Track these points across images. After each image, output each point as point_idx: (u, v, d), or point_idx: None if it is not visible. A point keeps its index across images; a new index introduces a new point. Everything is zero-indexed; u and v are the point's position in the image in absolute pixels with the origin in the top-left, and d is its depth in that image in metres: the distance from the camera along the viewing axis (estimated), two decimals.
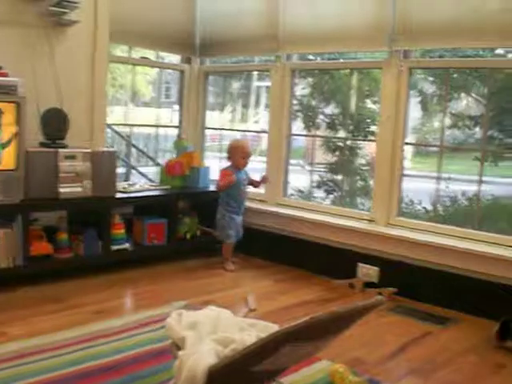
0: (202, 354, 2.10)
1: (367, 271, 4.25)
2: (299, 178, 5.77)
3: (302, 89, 5.63)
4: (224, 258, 4.72)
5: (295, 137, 5.37)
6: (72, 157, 4.00)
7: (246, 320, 2.71)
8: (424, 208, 5.55)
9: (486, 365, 3.06)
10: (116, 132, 6.81)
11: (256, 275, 4.50)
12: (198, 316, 2.55)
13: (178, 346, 2.34)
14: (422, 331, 3.48)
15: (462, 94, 5.09)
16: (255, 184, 4.89)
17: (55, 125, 4.10)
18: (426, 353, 3.18)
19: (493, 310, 3.57)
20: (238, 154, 4.67)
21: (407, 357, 3.12)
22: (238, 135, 5.82)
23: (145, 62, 5.46)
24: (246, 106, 6.76)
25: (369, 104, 5.50)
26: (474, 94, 5.05)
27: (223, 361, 2.05)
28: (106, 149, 4.47)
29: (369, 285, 4.20)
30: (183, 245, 4.81)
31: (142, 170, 6.54)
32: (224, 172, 4.69)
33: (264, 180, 4.88)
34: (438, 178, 4.22)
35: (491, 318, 3.51)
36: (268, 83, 5.14)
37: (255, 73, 5.91)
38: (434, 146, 4.62)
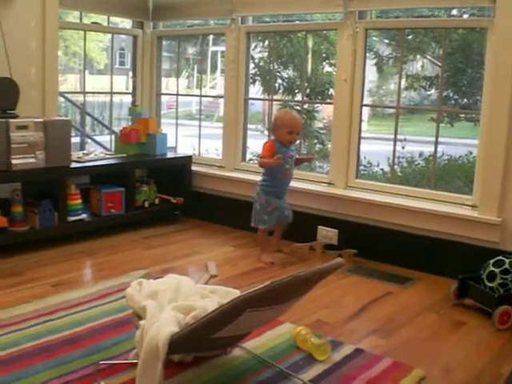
0: (163, 323, 2.09)
1: (327, 233, 4.28)
2: (259, 143, 5.74)
3: (259, 52, 5.58)
4: (260, 248, 4.15)
5: (253, 102, 5.33)
6: (24, 127, 3.88)
7: (207, 286, 2.70)
8: (382, 170, 5.60)
9: (445, 323, 3.12)
10: (70, 101, 6.67)
11: (216, 241, 4.48)
12: (158, 285, 2.54)
13: (138, 315, 2.33)
14: (382, 291, 3.52)
15: (418, 56, 5.10)
16: (299, 161, 4.25)
17: (5, 94, 3.98)
18: (387, 312, 3.22)
19: (451, 269, 3.63)
20: (284, 128, 3.93)
21: (368, 317, 3.16)
22: (193, 100, 5.75)
23: (96, 27, 5.32)
24: (202, 71, 6.67)
25: (326, 67, 5.48)
26: (429, 56, 5.07)
27: (185, 328, 2.04)
28: (59, 118, 4.37)
29: (329, 247, 4.23)
30: (142, 213, 4.75)
31: (97, 138, 6.43)
32: (269, 145, 4.02)
33: (307, 159, 4.39)
34: (395, 140, 4.24)
35: (449, 276, 3.57)
36: (224, 48, 5.06)
37: (211, 38, 5.83)
38: (391, 107, 4.63)
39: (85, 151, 4.85)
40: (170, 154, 5.06)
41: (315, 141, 5.39)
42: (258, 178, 4.68)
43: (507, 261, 3.18)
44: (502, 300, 3.06)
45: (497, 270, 3.17)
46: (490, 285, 3.18)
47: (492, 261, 3.24)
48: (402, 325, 3.06)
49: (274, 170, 3.98)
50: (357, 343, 2.77)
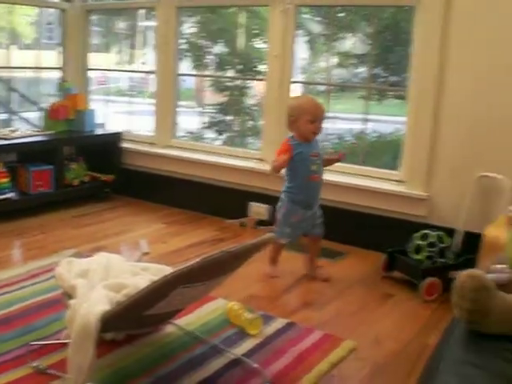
0: (94, 301, 2.07)
1: (258, 209, 4.31)
2: (190, 120, 5.71)
3: (189, 28, 5.51)
4: (269, 260, 3.44)
5: (185, 78, 5.28)
6: None
7: (139, 264, 2.68)
8: None
9: (374, 295, 3.21)
10: None
11: (147, 219, 4.45)
12: (88, 263, 2.51)
13: (69, 295, 2.30)
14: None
15: (349, 34, 5.15)
16: (328, 162, 3.45)
17: None
18: (318, 286, 3.28)
19: (380, 242, 3.71)
20: (304, 116, 3.19)
21: (300, 291, 3.21)
22: (124, 77, 5.65)
23: (23, 0, 5.15)
24: (132, 46, 6.53)
25: (257, 43, 5.46)
26: (359, 34, 5.12)
27: (116, 306, 2.03)
28: None
29: (261, 223, 4.26)
30: (71, 192, 4.66)
31: (25, 115, 6.24)
32: (283, 147, 3.28)
33: (340, 157, 3.47)
34: (327, 118, 4.27)
35: (379, 249, 3.66)
36: (155, 23, 4.98)
37: (142, 12, 5.71)
38: (321, 84, 4.67)
39: (11, 128, 4.71)
40: (99, 131, 4.97)
41: (247, 117, 5.39)
42: (191, 155, 4.68)
43: (433, 234, 3.28)
44: (428, 272, 3.17)
45: (423, 243, 3.27)
46: (417, 257, 3.28)
47: (418, 234, 3.34)
48: (332, 298, 3.12)
49: (296, 173, 3.27)
50: (288, 317, 2.82)
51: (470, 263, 2.99)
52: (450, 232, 3.44)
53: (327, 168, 3.45)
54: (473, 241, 3.11)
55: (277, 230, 3.36)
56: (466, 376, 1.48)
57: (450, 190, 3.64)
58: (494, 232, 2.80)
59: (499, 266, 2.03)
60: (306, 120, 3.19)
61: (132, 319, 2.19)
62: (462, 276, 1.74)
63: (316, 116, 3.20)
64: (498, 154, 3.45)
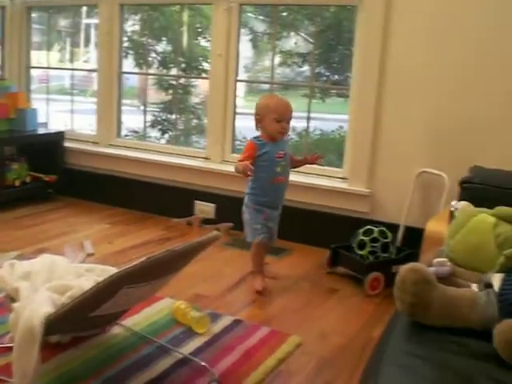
0: (38, 304, 2.03)
1: (204, 208, 4.31)
2: (134, 119, 5.66)
3: (131, 25, 5.46)
4: (253, 269, 3.30)
5: (128, 77, 5.24)
6: None
7: (83, 265, 2.65)
8: None
9: (319, 291, 3.25)
10: None
11: (91, 220, 4.39)
12: (31, 265, 2.46)
13: (12, 298, 2.25)
14: None
15: (292, 33, 5.19)
16: (297, 163, 3.36)
17: None
18: (264, 283, 3.30)
19: (324, 239, 3.76)
20: (270, 115, 3.08)
21: (246, 288, 3.23)
22: (66, 75, 5.56)
23: None
24: (75, 44, 6.43)
25: (201, 42, 5.45)
26: (302, 33, 5.16)
27: (61, 308, 2.00)
28: None
29: (206, 221, 4.26)
30: (12, 192, 4.57)
31: None
32: (247, 146, 3.18)
33: (313, 159, 3.35)
34: None
35: (323, 246, 3.70)
36: (97, 20, 4.92)
37: (84, 9, 5.63)
38: (265, 82, 4.71)
39: None
40: (41, 130, 4.89)
41: (192, 116, 5.37)
42: (136, 154, 4.65)
43: (376, 230, 3.34)
44: (371, 267, 3.23)
45: (366, 239, 3.32)
46: (361, 253, 3.33)
47: (362, 230, 3.39)
48: (278, 294, 3.16)
49: (260, 174, 3.11)
50: (235, 314, 2.83)
51: (412, 257, 3.06)
52: (393, 227, 3.52)
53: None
54: (415, 235, 3.17)
55: (247, 231, 3.24)
56: (408, 366, 1.52)
57: (392, 186, 3.72)
58: (435, 227, 2.87)
59: (440, 259, 2.08)
60: (271, 119, 3.08)
61: (77, 321, 2.16)
62: (404, 270, 1.78)
63: (282, 115, 3.09)
64: (438, 150, 3.54)
